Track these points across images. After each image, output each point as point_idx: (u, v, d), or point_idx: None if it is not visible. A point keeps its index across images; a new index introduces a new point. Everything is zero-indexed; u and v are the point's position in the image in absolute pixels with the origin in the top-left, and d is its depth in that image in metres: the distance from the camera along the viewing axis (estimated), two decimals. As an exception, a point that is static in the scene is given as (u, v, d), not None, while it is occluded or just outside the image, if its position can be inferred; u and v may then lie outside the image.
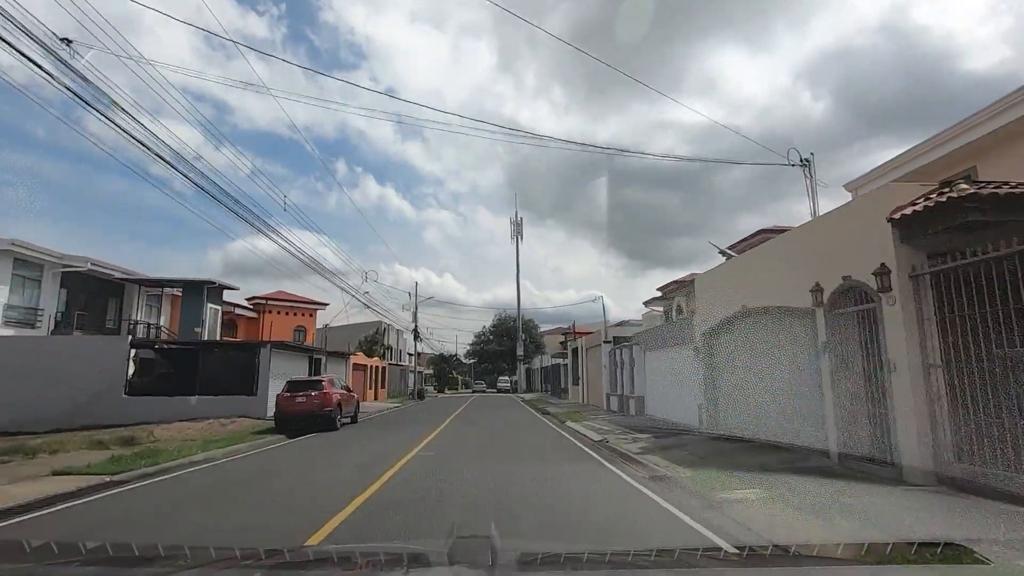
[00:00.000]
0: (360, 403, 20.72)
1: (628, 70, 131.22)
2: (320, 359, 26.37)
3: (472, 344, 73.04)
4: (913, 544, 1.90)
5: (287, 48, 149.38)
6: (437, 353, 69.43)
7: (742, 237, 31.19)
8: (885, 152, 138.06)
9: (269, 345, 20.25)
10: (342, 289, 29.16)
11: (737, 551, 2.95)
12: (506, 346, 68.13)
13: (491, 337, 71.06)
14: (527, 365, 63.21)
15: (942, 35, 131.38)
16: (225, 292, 27.69)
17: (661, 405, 17.61)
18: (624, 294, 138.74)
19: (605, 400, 24.69)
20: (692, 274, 35.94)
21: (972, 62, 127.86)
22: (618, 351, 22.77)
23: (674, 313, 34.93)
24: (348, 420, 18.46)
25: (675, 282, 35.08)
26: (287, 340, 25.22)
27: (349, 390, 18.27)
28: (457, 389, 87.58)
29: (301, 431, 15.27)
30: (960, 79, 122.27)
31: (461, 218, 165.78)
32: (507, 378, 65.47)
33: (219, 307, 26.59)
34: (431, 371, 69.50)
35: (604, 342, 25.07)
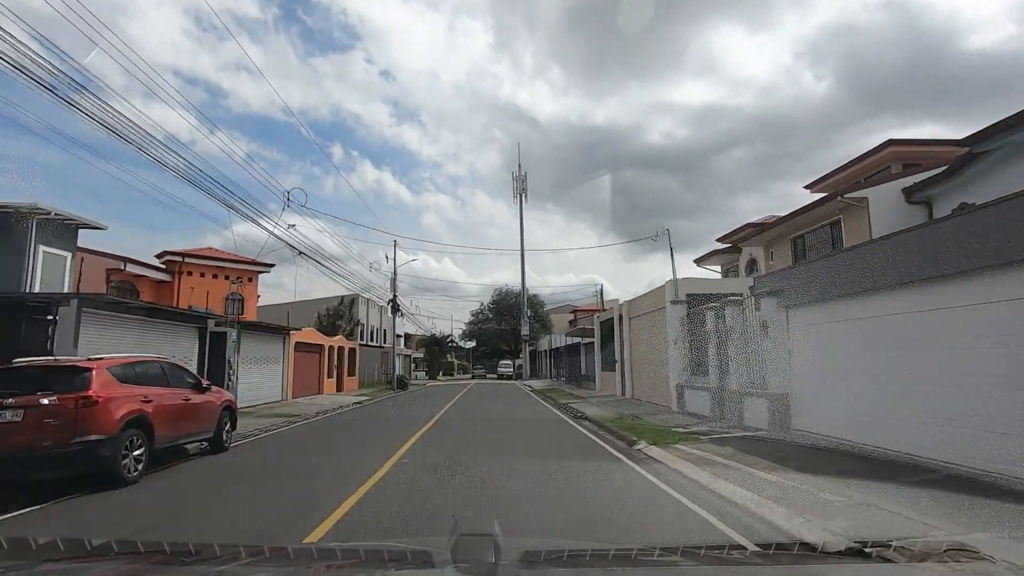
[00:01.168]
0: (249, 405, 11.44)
1: (626, 50, 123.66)
2: (226, 333, 17.00)
3: (469, 324, 63.67)
4: (917, 542, 1.87)
5: (279, 29, 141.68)
6: (429, 334, 60.16)
7: (833, 170, 21.66)
8: (888, 132, 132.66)
9: (76, 301, 10.83)
10: (234, 214, 19.72)
11: (743, 548, 2.62)
12: (507, 325, 58.88)
13: (490, 315, 61.71)
14: (532, 347, 54.06)
15: (946, 11, 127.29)
16: (90, 234, 18.21)
17: (866, 418, 8.23)
18: (623, 278, 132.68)
19: (674, 395, 15.37)
20: (771, 216, 26.37)
21: (977, 39, 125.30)
22: (711, 315, 13.35)
23: (743, 270, 25.63)
24: (203, 445, 9.15)
25: (750, 225, 25.58)
26: (117, 297, 15.68)
27: (202, 388, 8.86)
28: (453, 375, 78.67)
29: (35, 485, 6.02)
30: (965, 57, 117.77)
31: (459, 202, 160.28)
32: (509, 362, 56.34)
33: (68, 253, 17.07)
34: (422, 354, 60.25)
35: (672, 303, 15.65)
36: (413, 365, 65.62)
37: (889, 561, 1.79)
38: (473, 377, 72.00)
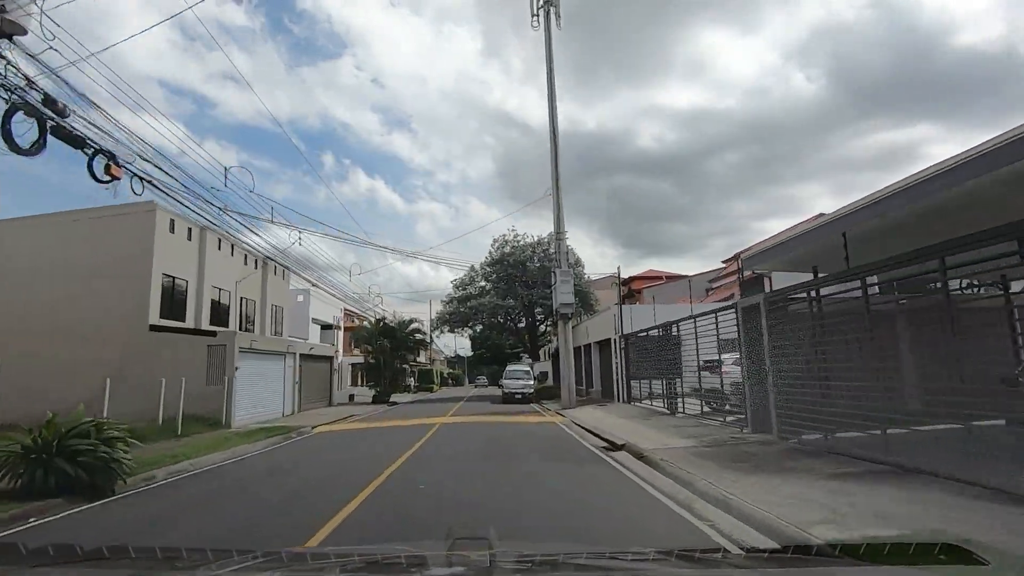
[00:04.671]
0: None
1: (615, 54, 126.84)
2: None
3: (446, 301, 36.41)
4: (911, 544, 1.87)
5: (267, 37, 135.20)
6: (376, 319, 33.41)
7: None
8: (881, 134, 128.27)
9: None
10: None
11: (739, 551, 2.57)
12: (516, 295, 32.51)
13: (486, 284, 34.92)
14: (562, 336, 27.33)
15: (934, 8, 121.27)
16: None
17: None
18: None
19: None
20: None
21: (966, 37, 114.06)
22: None
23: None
24: None
25: None
26: None
27: None
28: (433, 389, 51.94)
29: None
30: (954, 55, 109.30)
31: (453, 209, 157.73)
32: (524, 369, 29.52)
33: None
34: (371, 357, 33.12)
35: None
36: (361, 376, 38.99)
37: (883, 563, 1.80)
38: (474, 386, 48.24)
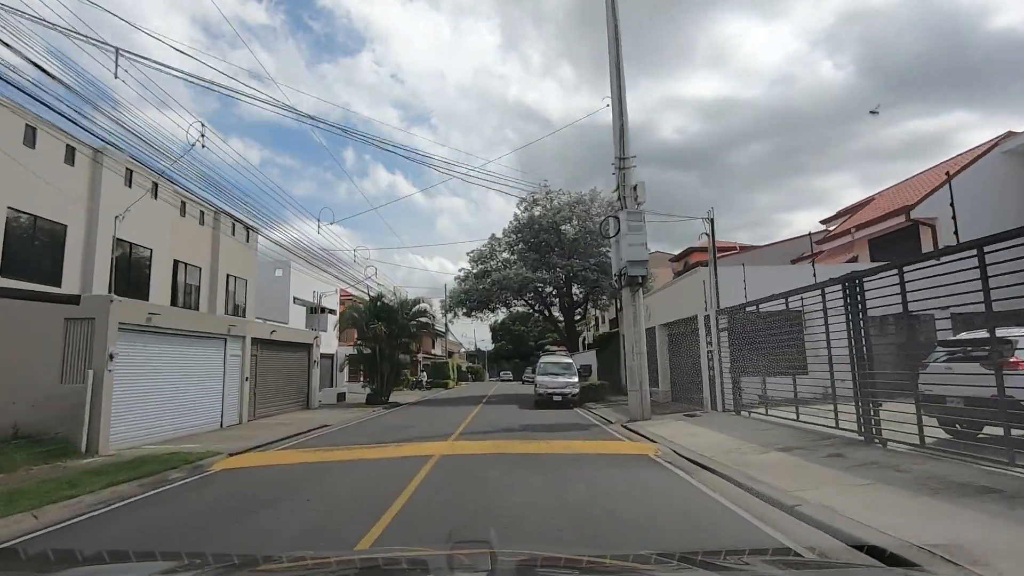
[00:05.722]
0: None
1: (636, 44, 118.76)
2: None
3: (462, 278, 29.21)
4: (911, 544, 2.00)
5: (288, 35, 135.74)
6: (373, 296, 26.55)
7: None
8: (909, 122, 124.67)
9: None
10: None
11: (739, 552, 2.28)
12: (551, 266, 25.35)
13: (511, 257, 27.78)
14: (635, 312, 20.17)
15: None
16: None
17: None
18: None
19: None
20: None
21: (1003, 18, 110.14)
22: None
23: None
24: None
25: None
26: None
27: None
28: (448, 383, 45.18)
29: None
30: (991, 38, 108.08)
31: (473, 204, 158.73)
32: (563, 361, 22.40)
33: None
34: (365, 346, 26.14)
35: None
36: (363, 371, 32.23)
37: (890, 565, 1.90)
38: (500, 380, 43.25)
